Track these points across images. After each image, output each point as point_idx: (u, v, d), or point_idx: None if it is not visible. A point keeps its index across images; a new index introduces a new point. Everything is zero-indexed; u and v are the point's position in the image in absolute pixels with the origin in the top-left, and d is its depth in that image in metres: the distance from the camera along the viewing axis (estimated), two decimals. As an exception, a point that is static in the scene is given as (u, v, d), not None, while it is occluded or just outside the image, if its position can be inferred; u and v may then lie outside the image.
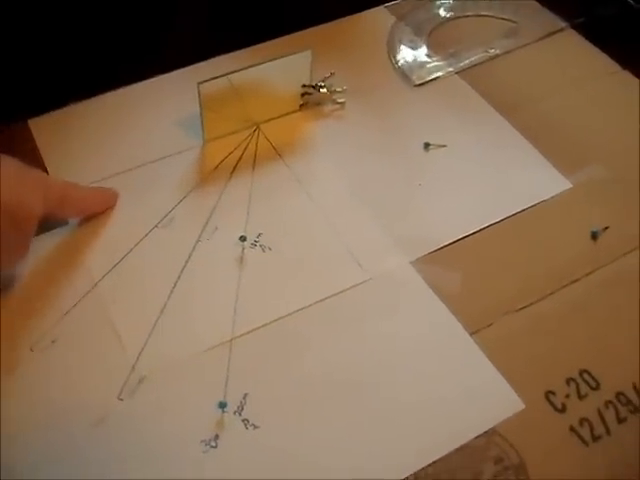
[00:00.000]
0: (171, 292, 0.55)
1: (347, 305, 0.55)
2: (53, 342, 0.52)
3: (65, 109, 0.67)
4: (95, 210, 0.59)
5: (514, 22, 0.77)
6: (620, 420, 0.50)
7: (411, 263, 0.58)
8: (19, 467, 0.47)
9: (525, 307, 0.55)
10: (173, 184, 0.62)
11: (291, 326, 0.54)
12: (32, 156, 0.63)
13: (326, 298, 0.55)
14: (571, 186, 0.63)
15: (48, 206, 0.51)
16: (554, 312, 0.55)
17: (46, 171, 0.62)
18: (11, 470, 0.46)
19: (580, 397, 0.51)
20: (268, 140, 0.65)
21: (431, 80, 0.71)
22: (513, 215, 0.61)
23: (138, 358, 0.52)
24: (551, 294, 0.56)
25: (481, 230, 0.60)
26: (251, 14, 0.75)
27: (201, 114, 0.62)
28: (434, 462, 0.48)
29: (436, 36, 0.76)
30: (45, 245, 0.57)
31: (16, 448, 0.47)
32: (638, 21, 0.76)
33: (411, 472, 0.47)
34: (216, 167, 0.63)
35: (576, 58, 0.75)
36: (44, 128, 0.65)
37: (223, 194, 0.61)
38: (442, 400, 0.51)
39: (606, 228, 0.60)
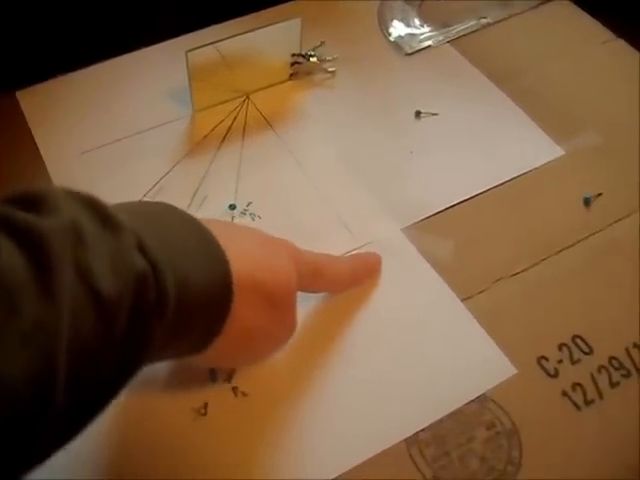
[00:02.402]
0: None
1: (338, 272, 0.55)
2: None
3: (53, 80, 0.66)
4: (349, 285, 0.53)
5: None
6: (613, 384, 0.50)
7: (402, 230, 0.57)
8: None
9: (518, 273, 0.55)
10: (162, 154, 0.61)
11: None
12: (20, 128, 0.63)
13: (316, 266, 0.55)
14: (564, 153, 0.63)
15: (301, 283, 0.46)
16: (547, 278, 0.55)
17: (35, 145, 0.61)
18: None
19: (573, 362, 0.51)
20: (258, 110, 0.65)
21: (422, 49, 0.71)
22: (506, 182, 0.61)
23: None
24: (544, 260, 0.56)
25: (473, 197, 0.59)
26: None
27: (190, 84, 0.62)
28: (427, 427, 0.47)
29: (428, 5, 0.75)
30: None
31: None
32: (631, -10, 0.75)
33: (403, 438, 0.47)
34: (205, 137, 0.63)
35: (569, 27, 0.74)
36: (32, 100, 0.65)
37: (212, 163, 0.60)
38: (434, 366, 0.50)
39: (599, 195, 0.59)
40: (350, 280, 0.53)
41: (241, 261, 0.41)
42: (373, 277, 0.54)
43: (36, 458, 0.32)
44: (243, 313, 0.41)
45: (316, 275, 0.49)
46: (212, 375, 0.49)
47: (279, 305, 0.44)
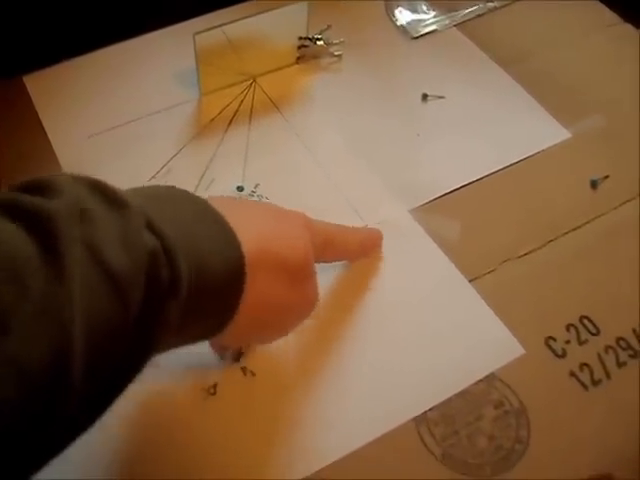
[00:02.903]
0: (168, 242, 0.54)
1: (346, 254, 0.55)
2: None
3: (60, 65, 0.67)
4: (358, 255, 0.54)
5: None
6: (620, 364, 0.50)
7: (410, 212, 0.57)
8: None
9: (526, 254, 0.55)
10: (170, 137, 0.61)
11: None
12: (27, 111, 0.63)
13: (324, 247, 0.55)
14: (570, 136, 0.63)
15: (314, 253, 0.45)
16: (555, 259, 0.55)
17: (42, 129, 0.61)
18: None
19: (580, 343, 0.51)
20: (265, 93, 0.65)
21: (429, 33, 0.71)
22: (513, 165, 0.61)
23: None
24: (551, 242, 0.56)
25: (480, 179, 0.60)
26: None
27: (197, 67, 0.62)
28: (435, 407, 0.48)
29: (434, -11, 0.75)
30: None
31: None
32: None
33: (412, 417, 0.47)
34: (212, 120, 0.63)
35: (576, 10, 0.74)
36: (39, 84, 0.65)
37: (220, 146, 0.61)
38: (442, 346, 0.51)
39: (606, 177, 0.60)
40: (359, 249, 0.54)
41: (253, 238, 0.40)
42: (376, 252, 0.55)
43: (54, 445, 0.31)
44: (259, 291, 0.40)
45: (327, 244, 0.48)
46: (221, 355, 0.49)
47: (298, 276, 0.43)
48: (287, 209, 0.46)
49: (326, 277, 0.53)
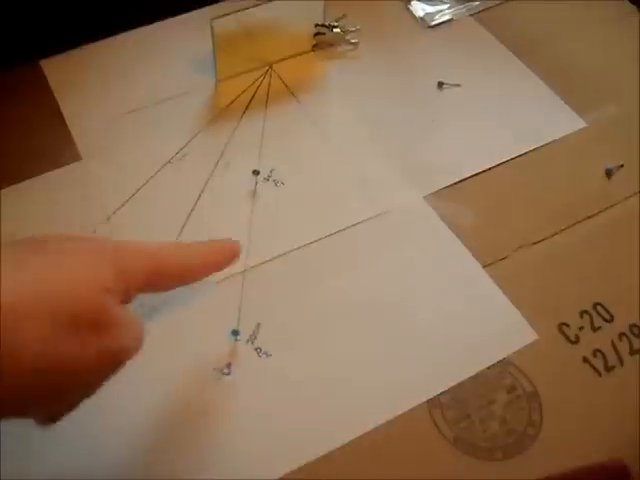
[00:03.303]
0: (184, 224, 0.55)
1: (360, 238, 0.55)
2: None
3: (77, 50, 0.67)
4: (206, 274, 0.44)
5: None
6: (633, 351, 0.50)
7: (424, 198, 0.57)
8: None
9: (539, 241, 0.55)
10: (186, 121, 0.62)
11: (304, 258, 0.54)
12: (45, 96, 0.63)
13: (339, 231, 0.55)
14: (586, 125, 0.63)
15: (136, 285, 0.38)
16: (568, 247, 0.55)
17: (60, 112, 0.62)
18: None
19: (594, 329, 0.51)
20: (281, 79, 0.65)
21: (445, 22, 0.71)
22: (527, 152, 0.61)
23: (151, 288, 0.52)
24: (565, 229, 0.56)
25: (496, 166, 0.60)
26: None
27: (214, 52, 0.62)
28: (448, 390, 0.48)
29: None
30: (57, 180, 0.58)
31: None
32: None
33: (425, 399, 0.47)
34: (229, 105, 0.63)
35: (593, 1, 0.74)
36: (56, 69, 0.65)
37: (236, 131, 0.61)
38: (455, 330, 0.51)
39: (621, 166, 0.60)
40: (203, 269, 0.44)
41: (24, 283, 0.33)
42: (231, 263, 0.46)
43: None
44: (27, 347, 0.32)
45: (157, 271, 0.40)
46: (235, 335, 0.49)
47: (90, 326, 0.34)
48: (92, 244, 0.38)
49: (340, 260, 0.54)
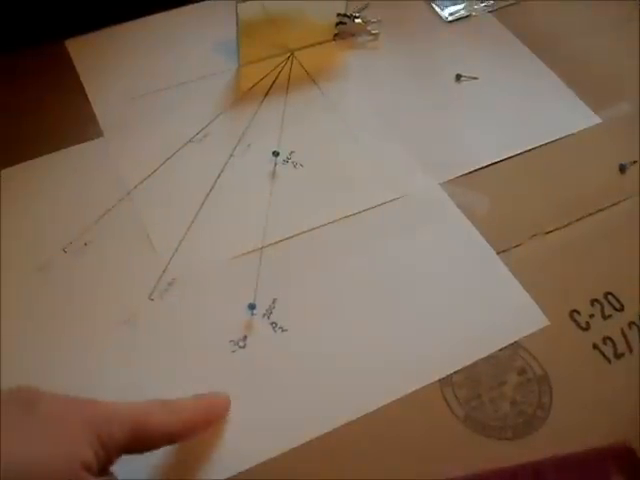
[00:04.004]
0: (203, 202, 0.56)
1: (377, 221, 0.56)
2: (86, 245, 0.53)
3: (102, 31, 0.68)
4: (193, 434, 0.43)
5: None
6: (643, 340, 0.51)
7: (440, 185, 0.58)
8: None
9: (553, 231, 0.56)
10: (208, 103, 0.63)
11: (321, 238, 0.55)
12: (69, 74, 0.64)
13: (356, 213, 0.56)
14: (600, 121, 0.64)
15: (115, 449, 0.37)
16: (581, 237, 0.56)
17: (83, 90, 0.63)
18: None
19: (604, 317, 0.52)
20: (302, 66, 0.66)
21: (464, 17, 0.72)
22: (543, 145, 0.62)
23: (169, 262, 0.53)
24: (578, 220, 0.57)
25: (511, 157, 0.60)
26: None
27: (237, 36, 0.63)
28: (460, 370, 0.49)
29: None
30: (80, 155, 0.59)
31: (47, 341, 0.49)
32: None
33: (438, 378, 0.48)
34: (250, 89, 0.64)
35: (609, 0, 0.75)
36: (81, 48, 0.66)
37: (257, 114, 0.62)
38: (469, 313, 0.51)
39: (634, 162, 0.60)
40: (190, 430, 0.42)
41: None
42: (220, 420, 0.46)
43: None
44: None
45: (141, 434, 0.39)
46: (251, 309, 0.50)
47: None
48: (79, 410, 0.37)
49: (359, 243, 0.55)
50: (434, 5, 0.73)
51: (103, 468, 0.37)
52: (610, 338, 0.51)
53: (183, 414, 0.42)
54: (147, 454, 0.40)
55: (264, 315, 0.50)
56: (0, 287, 0.51)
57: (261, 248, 0.53)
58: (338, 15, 0.67)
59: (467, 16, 0.72)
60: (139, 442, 0.39)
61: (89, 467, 0.35)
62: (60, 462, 0.34)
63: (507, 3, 0.73)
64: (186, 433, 0.42)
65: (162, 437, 0.40)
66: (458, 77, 0.66)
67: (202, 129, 0.60)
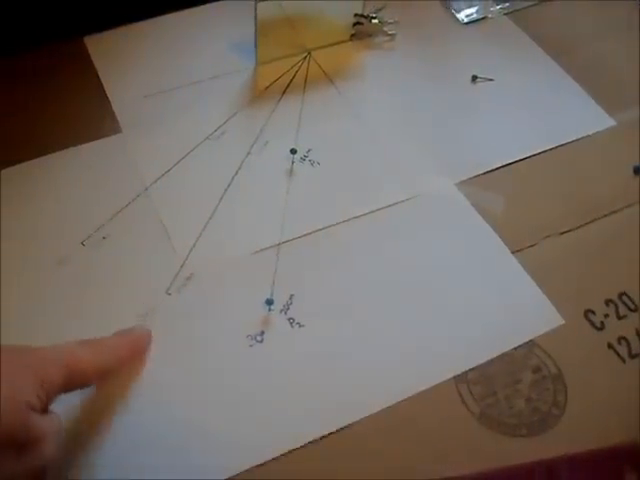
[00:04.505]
0: (221, 198, 0.56)
1: (393, 219, 0.56)
2: (104, 238, 0.54)
3: (121, 28, 0.69)
4: (120, 368, 0.47)
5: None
6: (657, 341, 0.51)
7: (456, 185, 0.59)
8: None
9: (567, 231, 0.56)
10: (225, 101, 0.63)
11: (338, 235, 0.55)
12: (88, 71, 0.65)
13: (372, 211, 0.57)
14: (615, 124, 0.64)
15: (53, 390, 0.40)
16: (595, 238, 0.56)
17: (102, 87, 0.63)
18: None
19: (619, 317, 0.52)
20: (319, 66, 0.67)
21: (480, 19, 0.72)
22: (558, 147, 0.62)
23: (187, 257, 0.53)
24: (592, 222, 0.57)
25: (526, 159, 0.61)
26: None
27: (256, 34, 0.64)
28: (476, 367, 0.49)
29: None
30: (98, 151, 0.59)
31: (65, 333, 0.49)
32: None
33: (453, 375, 0.48)
34: (267, 87, 0.64)
35: (626, 4, 0.76)
36: (100, 46, 0.67)
37: (274, 113, 0.62)
38: (485, 311, 0.52)
39: (648, 164, 0.61)
40: (117, 364, 0.46)
41: None
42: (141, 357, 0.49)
43: None
44: None
45: (75, 374, 0.42)
46: (269, 304, 0.51)
47: (6, 445, 0.36)
48: (19, 357, 0.40)
49: (374, 244, 0.55)
50: (450, 7, 0.73)
51: (44, 408, 0.39)
52: (625, 338, 0.51)
53: (111, 351, 0.46)
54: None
55: (281, 311, 0.51)
56: (20, 280, 0.51)
57: (278, 244, 0.54)
58: (355, 15, 0.68)
59: (483, 18, 0.72)
60: (73, 381, 0.42)
61: (34, 407, 0.38)
62: (8, 404, 0.36)
63: (523, 5, 0.74)
64: (115, 368, 0.46)
65: (94, 374, 0.44)
66: (474, 78, 0.66)
67: (219, 127, 0.61)
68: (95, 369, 0.43)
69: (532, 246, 0.55)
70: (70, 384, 0.41)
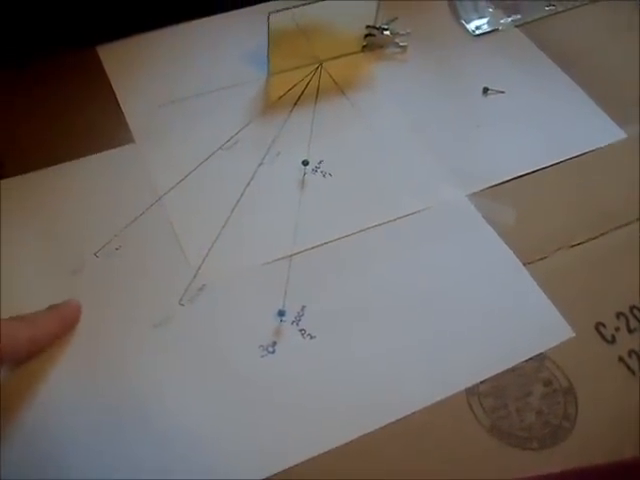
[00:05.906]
0: (233, 208, 0.56)
1: (404, 231, 0.57)
2: (117, 249, 0.54)
3: (134, 37, 0.69)
4: (51, 343, 0.49)
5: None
6: (668, 355, 0.51)
7: (467, 196, 0.59)
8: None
9: (578, 244, 0.57)
10: (238, 111, 0.63)
11: (349, 247, 0.55)
12: (101, 80, 0.65)
13: (384, 223, 0.57)
14: (626, 136, 0.64)
15: None
16: (605, 251, 0.56)
17: (114, 96, 0.64)
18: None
19: (630, 331, 0.52)
20: (331, 77, 0.67)
21: (491, 31, 0.73)
22: (568, 160, 0.62)
23: (200, 267, 0.53)
24: (603, 235, 0.57)
25: (537, 171, 0.61)
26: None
27: (268, 46, 0.64)
28: (487, 380, 0.49)
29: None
30: (111, 160, 0.59)
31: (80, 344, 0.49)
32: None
33: (464, 387, 0.49)
34: (280, 98, 0.65)
35: (636, 15, 0.76)
36: (112, 54, 0.67)
37: (286, 123, 0.63)
38: (496, 324, 0.52)
39: (659, 178, 0.61)
40: (48, 338, 0.48)
41: None
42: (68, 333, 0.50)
43: None
44: None
45: (9, 348, 0.44)
46: (281, 315, 0.51)
47: None
48: None
49: (385, 253, 0.55)
50: (461, 19, 0.73)
51: None
52: (635, 351, 0.51)
53: (43, 325, 0.48)
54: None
55: (293, 322, 0.51)
56: (34, 290, 0.51)
57: (290, 256, 0.54)
58: (367, 27, 0.68)
59: (494, 30, 0.73)
60: (10, 355, 0.45)
61: None
62: None
63: (534, 17, 0.74)
64: (48, 341, 0.48)
65: (29, 348, 0.46)
66: (485, 90, 0.67)
67: (232, 137, 0.61)
68: (29, 343, 0.46)
69: (543, 258, 0.55)
70: (6, 358, 0.44)
